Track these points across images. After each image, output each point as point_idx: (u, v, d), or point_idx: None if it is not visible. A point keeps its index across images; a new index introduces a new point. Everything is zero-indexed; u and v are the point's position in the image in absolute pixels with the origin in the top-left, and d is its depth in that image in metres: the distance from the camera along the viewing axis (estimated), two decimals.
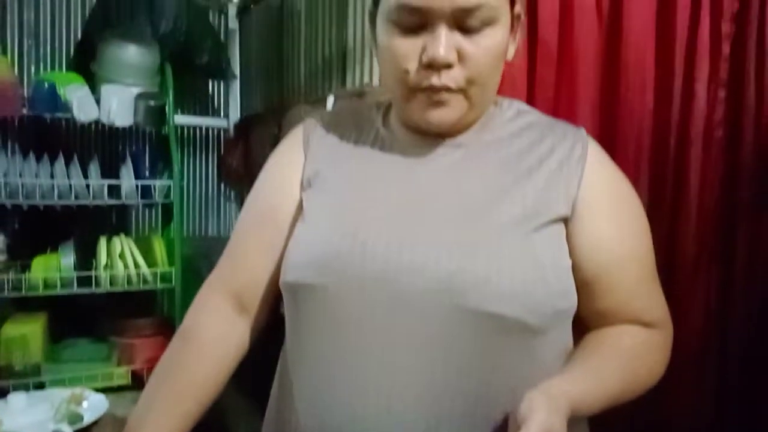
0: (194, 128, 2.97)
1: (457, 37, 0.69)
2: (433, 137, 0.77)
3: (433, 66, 0.68)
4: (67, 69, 2.48)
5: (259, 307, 0.84)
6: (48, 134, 2.30)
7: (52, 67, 2.56)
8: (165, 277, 2.20)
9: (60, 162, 2.08)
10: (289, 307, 0.78)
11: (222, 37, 2.86)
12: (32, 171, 2.05)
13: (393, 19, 0.70)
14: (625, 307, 0.78)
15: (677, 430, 1.21)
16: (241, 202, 3.12)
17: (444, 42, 0.67)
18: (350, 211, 0.75)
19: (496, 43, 0.71)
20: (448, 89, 0.70)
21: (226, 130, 2.98)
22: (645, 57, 1.24)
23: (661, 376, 0.80)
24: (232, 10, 3.06)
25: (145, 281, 2.18)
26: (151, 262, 2.20)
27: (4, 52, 2.56)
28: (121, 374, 2.12)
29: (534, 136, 0.79)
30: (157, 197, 2.22)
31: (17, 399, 1.08)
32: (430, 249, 0.69)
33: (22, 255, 2.11)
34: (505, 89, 1.40)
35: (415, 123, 0.77)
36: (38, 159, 2.08)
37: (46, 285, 2.04)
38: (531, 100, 1.40)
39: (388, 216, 0.73)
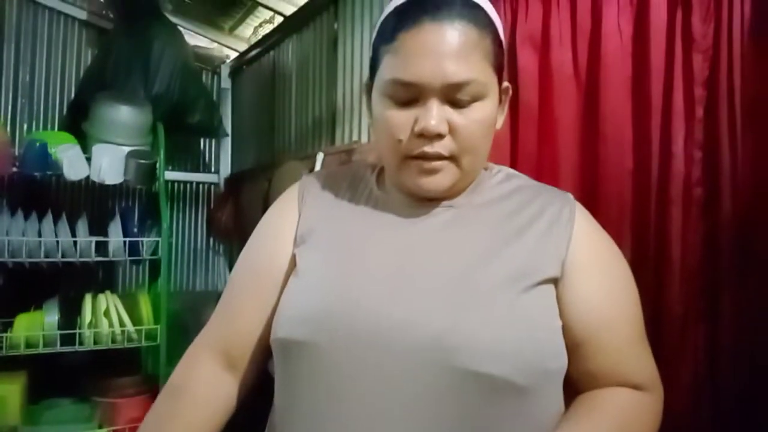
0: (184, 183, 2.99)
1: (448, 111, 0.72)
2: (425, 200, 0.79)
3: (424, 135, 0.71)
4: (60, 128, 2.52)
5: (248, 364, 0.84)
6: (37, 191, 2.31)
7: (45, 126, 2.61)
8: (150, 335, 2.17)
9: (48, 219, 2.07)
10: (279, 364, 0.78)
11: (215, 96, 2.93)
12: (19, 228, 2.04)
13: (388, 93, 0.73)
14: (614, 369, 0.77)
15: None
16: (230, 256, 3.11)
17: (435, 114, 0.71)
18: (343, 269, 0.76)
19: (485, 116, 0.74)
20: (440, 157, 0.73)
21: (216, 185, 3.01)
22: (623, 119, 1.29)
23: None
24: (225, 71, 3.15)
25: (129, 339, 2.14)
26: (136, 320, 2.17)
27: None
28: None
29: (523, 198, 0.81)
30: (145, 254, 2.21)
31: None
32: (420, 308, 0.69)
33: (4, 313, 2.08)
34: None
35: (408, 189, 0.78)
36: (26, 216, 2.07)
37: (29, 344, 2.00)
38: (514, 158, 1.44)
39: (380, 275, 0.74)
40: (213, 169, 3.05)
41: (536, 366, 0.70)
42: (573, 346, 0.75)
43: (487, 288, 0.71)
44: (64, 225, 2.10)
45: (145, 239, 2.20)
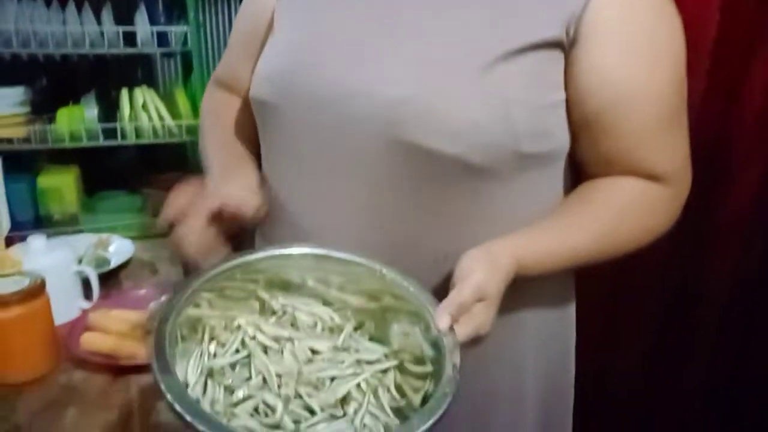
0: None
1: None
2: None
3: None
4: None
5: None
6: None
7: None
8: (191, 130, 2.16)
9: (71, 8, 1.97)
10: (257, 123, 0.78)
11: None
12: (42, 18, 1.95)
13: None
14: (629, 154, 0.67)
15: None
16: None
17: None
18: (312, 28, 0.71)
19: None
20: None
21: None
22: None
23: (661, 234, 0.72)
24: None
25: (171, 134, 2.15)
26: (175, 115, 2.15)
27: None
28: (156, 224, 2.17)
29: None
30: (175, 45, 2.11)
31: (37, 242, 1.08)
32: (378, 76, 0.64)
33: (46, 108, 2.08)
34: None
35: None
36: (48, 5, 1.97)
37: (73, 137, 2.03)
38: None
39: (347, 36, 0.68)
40: None
41: (506, 148, 0.63)
42: (584, 124, 0.66)
43: (457, 55, 0.63)
44: (88, 14, 1.99)
45: (173, 28, 2.09)
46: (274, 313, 0.65)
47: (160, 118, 2.12)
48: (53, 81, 2.25)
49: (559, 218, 0.69)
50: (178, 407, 0.45)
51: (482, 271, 0.59)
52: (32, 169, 2.11)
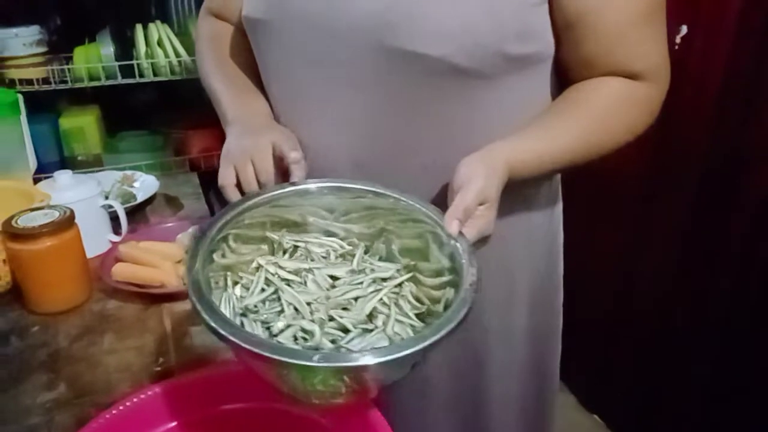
0: None
1: None
2: None
3: None
4: None
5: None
6: None
7: None
8: None
9: None
10: (251, 42, 0.79)
11: None
12: None
13: None
14: (608, 54, 0.68)
15: None
16: None
17: None
18: None
19: None
20: None
21: None
22: None
23: (643, 131, 0.74)
24: None
25: (188, 70, 2.12)
26: (191, 51, 2.12)
27: None
28: (179, 163, 2.18)
29: None
30: None
31: (64, 177, 1.09)
32: None
33: (62, 48, 2.07)
34: None
35: None
36: None
37: (91, 77, 2.02)
38: None
39: None
40: None
41: (492, 48, 0.64)
42: (565, 27, 0.67)
43: None
44: None
45: None
46: (285, 251, 0.68)
47: (177, 54, 2.09)
48: (67, 19, 2.23)
49: (545, 122, 0.71)
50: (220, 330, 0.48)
51: (482, 177, 0.62)
52: (53, 111, 2.12)
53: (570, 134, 0.69)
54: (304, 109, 0.74)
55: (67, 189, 1.09)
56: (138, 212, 1.36)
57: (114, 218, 1.18)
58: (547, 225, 0.86)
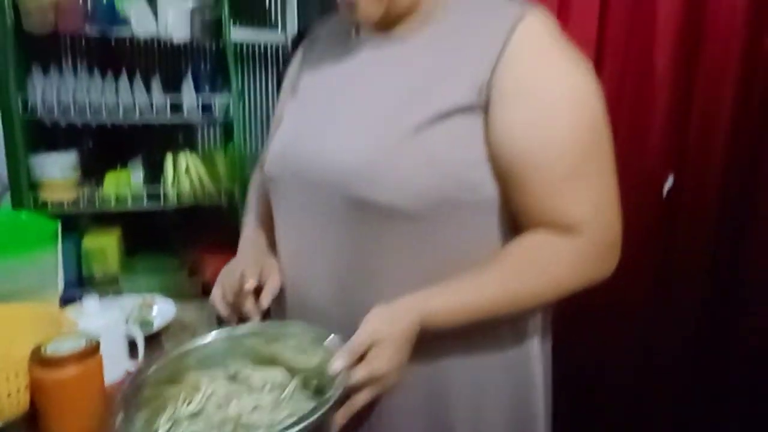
0: (252, 45, 2.93)
1: None
2: (382, 32, 0.81)
3: None
4: None
5: None
6: (111, 52, 2.32)
7: None
8: (229, 194, 2.24)
9: (124, 79, 2.11)
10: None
11: None
12: (98, 89, 2.09)
13: None
14: (538, 206, 0.73)
15: None
16: None
17: None
18: (300, 114, 0.87)
19: None
20: None
21: (283, 46, 2.93)
22: None
23: (579, 286, 0.74)
24: None
25: (210, 197, 2.23)
26: (215, 179, 2.25)
27: None
28: (193, 284, 2.22)
29: (468, 19, 0.76)
30: (218, 113, 2.23)
31: (91, 303, 1.13)
32: (331, 144, 0.77)
33: (94, 171, 2.19)
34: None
35: (351, 22, 0.84)
36: (103, 77, 2.11)
37: (118, 200, 2.13)
38: (604, 8, 1.28)
39: (316, 116, 0.83)
40: (280, 28, 2.95)
41: (438, 196, 0.71)
42: (501, 179, 0.73)
43: (393, 124, 0.73)
44: (139, 85, 2.13)
45: (217, 97, 2.21)
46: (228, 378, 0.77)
47: (201, 182, 2.21)
48: (102, 145, 2.38)
49: (472, 273, 0.74)
50: None
51: (377, 321, 0.68)
52: (78, 230, 2.20)
53: (487, 288, 0.72)
54: (291, 246, 0.86)
55: (93, 315, 1.12)
56: (153, 338, 1.38)
57: (131, 343, 1.19)
58: (516, 360, 0.85)
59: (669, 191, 1.42)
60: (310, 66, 0.92)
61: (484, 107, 0.71)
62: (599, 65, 1.34)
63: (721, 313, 1.42)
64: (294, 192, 0.82)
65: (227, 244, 2.31)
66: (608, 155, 0.75)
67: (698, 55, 1.19)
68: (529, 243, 0.74)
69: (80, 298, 1.15)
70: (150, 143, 2.40)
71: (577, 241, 0.72)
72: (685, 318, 1.52)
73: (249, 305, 0.86)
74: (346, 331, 0.71)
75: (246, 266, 0.88)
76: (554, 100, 0.72)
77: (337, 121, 0.79)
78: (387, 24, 0.80)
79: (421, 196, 0.71)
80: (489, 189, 0.74)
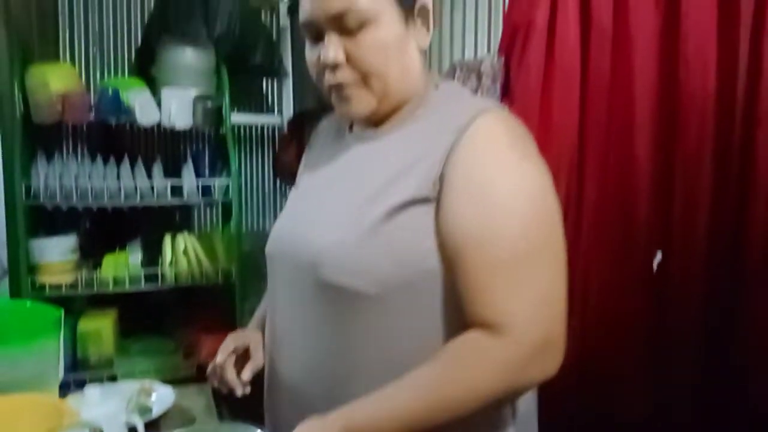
0: (249, 126, 3.03)
1: (344, 41, 0.78)
2: (370, 128, 0.87)
3: (325, 66, 0.80)
4: (129, 73, 2.58)
5: None
6: (113, 138, 2.40)
7: (115, 72, 2.67)
8: (226, 274, 2.27)
9: (125, 165, 2.17)
10: None
11: (274, 35, 2.90)
12: (100, 174, 2.14)
13: (304, 35, 0.84)
14: (472, 300, 0.72)
15: None
16: None
17: (328, 45, 0.78)
18: (292, 204, 0.96)
19: (378, 39, 0.78)
20: (347, 84, 0.80)
21: (280, 128, 3.03)
22: (706, 36, 1.19)
23: (505, 392, 0.73)
24: (282, 9, 3.10)
25: (207, 277, 2.25)
26: (212, 259, 2.27)
27: (72, 60, 2.69)
28: (187, 367, 2.21)
29: (434, 119, 0.82)
30: (217, 195, 2.28)
31: (92, 392, 1.14)
32: (305, 233, 0.84)
33: (93, 253, 2.22)
34: (557, 77, 1.39)
35: (342, 117, 0.90)
36: (105, 162, 2.17)
37: (116, 282, 2.14)
38: (585, 83, 1.37)
39: (299, 205, 0.93)
40: (276, 111, 3.07)
41: (395, 281, 0.76)
42: (448, 269, 0.76)
43: (357, 215, 0.78)
44: (140, 169, 2.19)
45: (216, 180, 2.27)
46: None
47: (199, 262, 2.24)
48: (101, 227, 2.41)
49: (401, 381, 0.73)
50: None
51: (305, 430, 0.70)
52: (73, 312, 2.20)
53: (412, 397, 0.71)
54: (274, 323, 0.91)
55: (95, 404, 1.12)
56: (151, 424, 1.37)
57: (131, 429, 1.18)
58: None
59: (659, 265, 1.46)
60: (310, 159, 1.00)
61: (437, 199, 0.75)
62: (582, 158, 1.42)
63: (718, 379, 1.44)
64: (282, 271, 0.89)
65: (223, 324, 2.32)
66: (553, 253, 0.74)
67: (675, 139, 1.26)
68: (459, 345, 0.73)
69: (74, 382, 1.16)
70: (148, 224, 2.43)
71: (503, 341, 0.70)
72: (681, 385, 1.53)
73: (230, 376, 0.95)
74: (322, 411, 0.72)
75: (234, 339, 0.99)
76: (497, 196, 0.73)
77: (321, 210, 0.86)
78: (377, 120, 0.86)
79: (382, 282, 0.76)
80: (435, 275, 0.76)
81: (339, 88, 0.81)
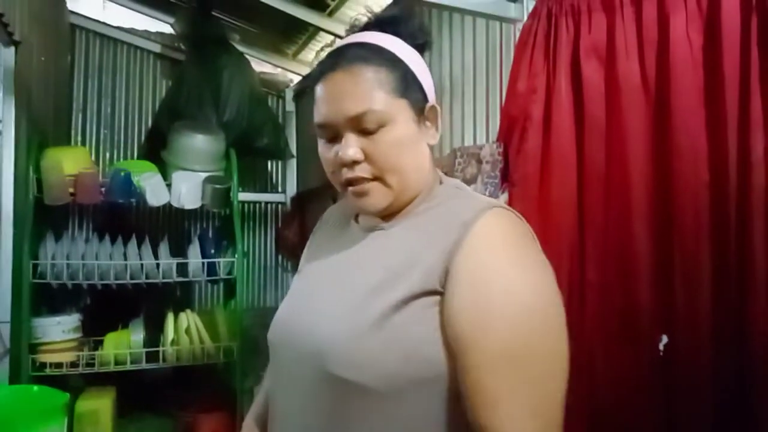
0: (254, 204, 3.10)
1: (361, 140, 0.82)
2: (377, 222, 0.89)
3: (344, 164, 0.83)
4: (139, 156, 2.66)
5: None
6: (122, 217, 2.45)
7: (125, 155, 2.76)
8: (227, 352, 2.25)
9: (132, 243, 2.20)
10: None
11: (280, 119, 3.02)
12: (107, 253, 2.17)
13: (318, 134, 0.87)
14: (468, 399, 0.73)
15: None
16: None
17: (347, 144, 0.82)
18: (300, 290, 0.96)
19: (395, 138, 0.82)
20: (364, 180, 0.83)
21: (283, 204, 3.10)
22: (696, 130, 1.26)
23: None
24: (289, 94, 3.25)
25: (209, 356, 2.24)
26: (214, 336, 2.26)
27: (84, 142, 2.78)
28: None
29: (441, 215, 0.83)
30: (222, 273, 2.30)
31: None
32: (310, 324, 0.84)
33: (94, 331, 2.21)
34: (554, 165, 1.45)
35: (357, 211, 0.92)
36: (113, 241, 2.21)
37: (117, 361, 2.12)
38: (581, 174, 1.43)
39: (303, 296, 0.93)
40: (280, 189, 3.15)
41: (401, 375, 0.75)
42: (452, 364, 0.76)
43: (364, 310, 0.79)
44: (147, 248, 2.22)
45: (222, 260, 2.30)
46: None
47: (202, 341, 2.23)
48: (105, 305, 2.42)
49: None
50: None
51: None
52: (70, 389, 2.16)
53: None
54: (277, 411, 0.91)
55: None
56: None
57: None
58: None
59: (665, 347, 1.47)
60: (315, 247, 1.02)
61: (442, 293, 0.76)
62: (582, 241, 1.46)
63: None
64: (284, 360, 0.89)
65: (222, 404, 2.29)
66: (551, 357, 0.74)
67: (672, 226, 1.30)
68: None
69: None
70: (151, 300, 2.45)
71: None
72: None
73: None
74: None
75: None
76: (493, 295, 0.74)
77: (324, 301, 0.86)
78: (387, 214, 0.88)
79: (388, 376, 0.75)
80: (441, 366, 0.76)
81: (356, 182, 0.84)
